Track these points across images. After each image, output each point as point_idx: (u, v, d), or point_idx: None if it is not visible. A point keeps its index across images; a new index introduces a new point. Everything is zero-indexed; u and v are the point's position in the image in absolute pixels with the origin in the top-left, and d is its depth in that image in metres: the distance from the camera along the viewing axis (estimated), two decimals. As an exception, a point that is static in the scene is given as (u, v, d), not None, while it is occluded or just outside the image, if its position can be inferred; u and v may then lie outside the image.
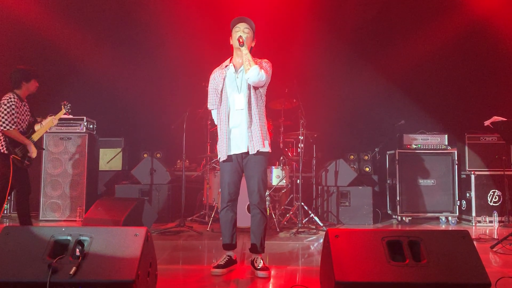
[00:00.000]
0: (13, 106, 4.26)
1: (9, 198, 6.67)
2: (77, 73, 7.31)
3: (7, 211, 6.79)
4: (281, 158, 6.03)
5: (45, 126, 4.67)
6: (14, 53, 7.46)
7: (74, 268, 2.35)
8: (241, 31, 3.44)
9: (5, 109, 4.23)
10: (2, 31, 7.34)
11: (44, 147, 6.42)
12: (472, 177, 6.33)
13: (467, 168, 6.49)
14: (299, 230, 5.45)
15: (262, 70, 3.37)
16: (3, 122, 4.22)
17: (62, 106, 4.78)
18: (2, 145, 4.29)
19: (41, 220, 6.37)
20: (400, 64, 7.38)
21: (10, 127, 4.23)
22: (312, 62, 7.30)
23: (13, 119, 4.25)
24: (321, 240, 4.62)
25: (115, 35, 7.64)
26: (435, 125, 6.92)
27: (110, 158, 7.40)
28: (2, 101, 4.26)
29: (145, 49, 7.73)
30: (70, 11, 7.42)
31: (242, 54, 3.39)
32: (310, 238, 5.15)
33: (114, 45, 7.60)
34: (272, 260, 3.98)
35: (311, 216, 5.86)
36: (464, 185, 6.51)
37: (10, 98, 4.28)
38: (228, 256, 3.53)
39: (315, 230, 5.52)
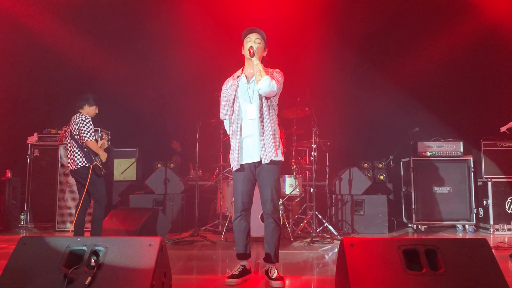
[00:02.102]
0: (91, 122, 4.73)
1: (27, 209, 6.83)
2: (91, 85, 7.41)
3: (24, 222, 6.89)
4: (294, 167, 6.00)
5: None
6: (28, 65, 7.62)
7: (89, 278, 2.36)
8: (252, 42, 3.45)
9: (86, 124, 4.68)
10: (18, 43, 7.50)
11: (59, 158, 6.54)
12: (489, 184, 6.23)
13: (484, 175, 6.38)
14: (313, 239, 5.41)
15: (273, 81, 3.38)
16: (87, 134, 4.64)
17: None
18: (81, 160, 4.65)
19: (56, 231, 6.44)
20: (413, 71, 7.33)
21: (91, 138, 4.67)
22: (324, 70, 7.30)
23: (92, 132, 4.71)
24: (336, 250, 4.59)
25: (129, 46, 7.75)
26: (450, 132, 6.84)
27: (124, 169, 7.47)
28: (80, 119, 4.69)
29: (158, 60, 7.82)
30: (84, 24, 7.55)
31: (253, 65, 3.41)
32: (324, 248, 5.10)
33: (127, 57, 7.71)
34: (286, 269, 3.95)
35: (325, 225, 5.82)
36: (481, 192, 6.40)
37: (86, 116, 4.74)
38: (242, 266, 3.51)
39: (329, 239, 5.48)
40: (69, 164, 4.73)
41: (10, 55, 7.50)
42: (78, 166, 4.61)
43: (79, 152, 4.63)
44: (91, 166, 4.62)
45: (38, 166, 6.95)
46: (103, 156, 4.81)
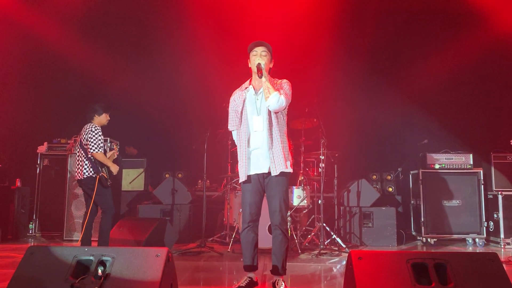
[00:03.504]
0: (100, 133, 4.77)
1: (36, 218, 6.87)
2: (101, 95, 7.49)
3: (32, 231, 6.92)
4: (302, 178, 5.98)
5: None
6: (40, 75, 7.72)
7: (96, 289, 2.36)
8: (258, 55, 3.47)
9: (95, 135, 4.72)
10: (29, 53, 7.61)
11: (68, 168, 6.59)
12: (500, 197, 6.15)
13: (494, 188, 6.31)
14: (321, 251, 5.37)
15: (282, 96, 3.37)
16: (94, 146, 4.67)
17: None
18: (88, 170, 4.69)
19: (64, 240, 6.46)
20: (422, 82, 7.30)
21: (99, 150, 4.70)
22: (333, 81, 7.29)
23: (100, 144, 4.74)
24: (344, 262, 4.55)
25: (139, 57, 7.82)
26: (460, 144, 6.77)
27: (132, 179, 7.49)
28: (90, 129, 4.74)
29: (167, 71, 7.87)
30: (96, 35, 7.65)
31: (262, 82, 3.42)
32: (332, 260, 5.06)
33: (136, 67, 7.77)
34: (293, 282, 3.92)
35: (333, 237, 5.77)
36: (491, 205, 6.32)
37: (96, 126, 4.79)
38: (249, 277, 3.49)
39: (337, 252, 5.43)
40: (76, 174, 4.77)
41: (21, 65, 7.61)
42: (85, 176, 4.64)
43: (87, 162, 4.67)
44: (97, 176, 4.65)
45: (47, 176, 7.00)
46: (114, 168, 4.82)
